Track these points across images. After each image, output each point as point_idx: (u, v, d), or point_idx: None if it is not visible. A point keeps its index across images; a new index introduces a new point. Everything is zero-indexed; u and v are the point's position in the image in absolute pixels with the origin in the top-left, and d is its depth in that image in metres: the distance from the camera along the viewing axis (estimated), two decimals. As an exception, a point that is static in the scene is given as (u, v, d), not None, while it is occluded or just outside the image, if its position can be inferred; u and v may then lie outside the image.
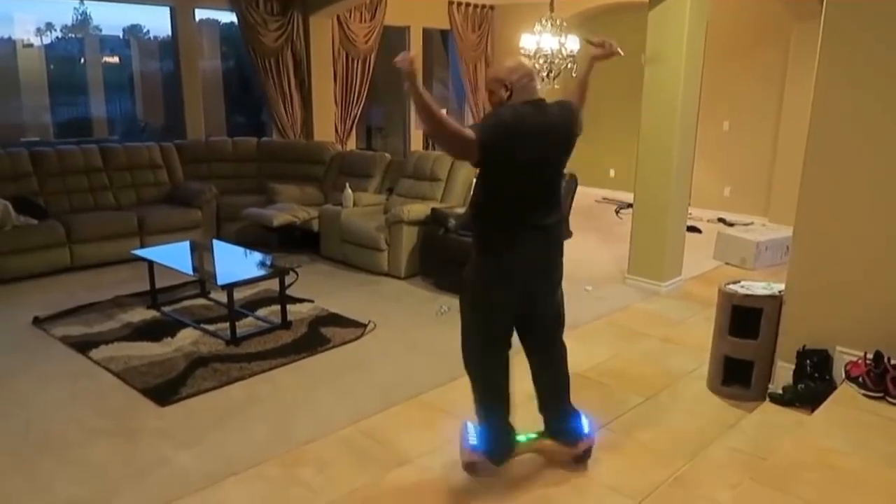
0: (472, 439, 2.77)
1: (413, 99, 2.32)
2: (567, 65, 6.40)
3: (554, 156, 2.66)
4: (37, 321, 4.44)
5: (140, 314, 4.59)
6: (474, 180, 2.82)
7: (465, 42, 9.27)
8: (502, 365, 2.79)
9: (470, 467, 2.80)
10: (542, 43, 6.34)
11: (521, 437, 2.86)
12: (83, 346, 4.05)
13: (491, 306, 2.68)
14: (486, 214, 2.63)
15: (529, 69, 2.62)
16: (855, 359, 3.01)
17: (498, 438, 2.78)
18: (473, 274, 2.68)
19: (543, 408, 2.91)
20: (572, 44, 6.34)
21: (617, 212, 8.40)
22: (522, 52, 6.45)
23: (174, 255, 4.81)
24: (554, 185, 2.70)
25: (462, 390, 3.09)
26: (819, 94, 3.16)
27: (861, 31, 3.01)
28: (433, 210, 5.41)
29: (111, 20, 8.01)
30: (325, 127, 7.92)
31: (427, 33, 9.25)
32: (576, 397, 3.51)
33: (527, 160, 2.51)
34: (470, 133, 2.38)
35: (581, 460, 2.87)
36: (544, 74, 6.44)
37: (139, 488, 2.71)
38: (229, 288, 4.13)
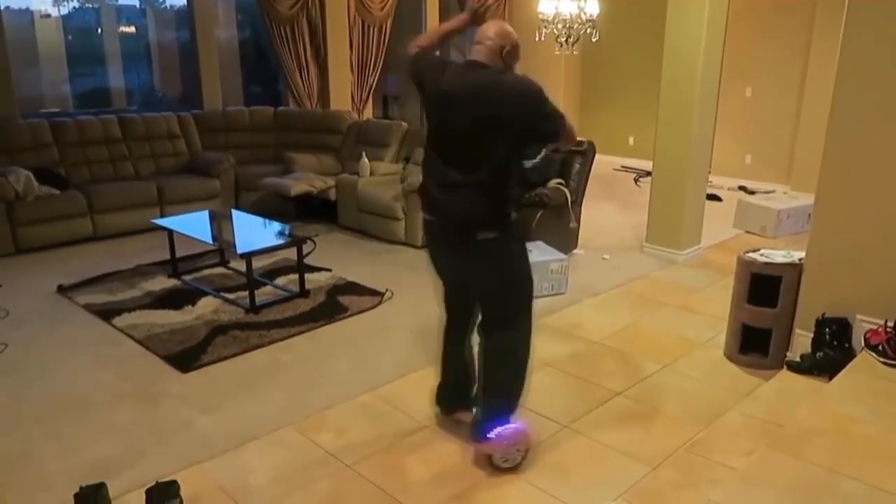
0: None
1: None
2: (586, 30, 6.29)
3: (458, 122, 2.42)
4: (61, 289, 4.53)
5: (161, 283, 4.65)
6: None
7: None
8: (448, 340, 2.87)
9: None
10: (561, 7, 6.22)
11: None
12: (106, 313, 4.12)
13: (432, 267, 2.77)
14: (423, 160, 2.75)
15: (482, 35, 2.48)
16: (875, 327, 2.99)
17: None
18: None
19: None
20: (591, 8, 6.22)
21: (636, 180, 8.32)
22: (541, 17, 6.34)
23: (194, 225, 4.86)
24: (464, 152, 2.46)
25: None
26: (844, 61, 3.10)
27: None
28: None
29: (127, -10, 8.00)
30: (342, 96, 7.88)
31: (444, -1, 9.12)
32: (592, 365, 3.54)
33: (431, 112, 2.58)
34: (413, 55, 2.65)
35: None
36: (563, 40, 6.34)
37: (163, 450, 2.78)
38: (248, 257, 4.17)
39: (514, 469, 2.63)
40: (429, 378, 3.24)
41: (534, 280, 2.70)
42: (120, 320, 4.02)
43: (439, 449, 2.80)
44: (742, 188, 7.74)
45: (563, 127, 2.42)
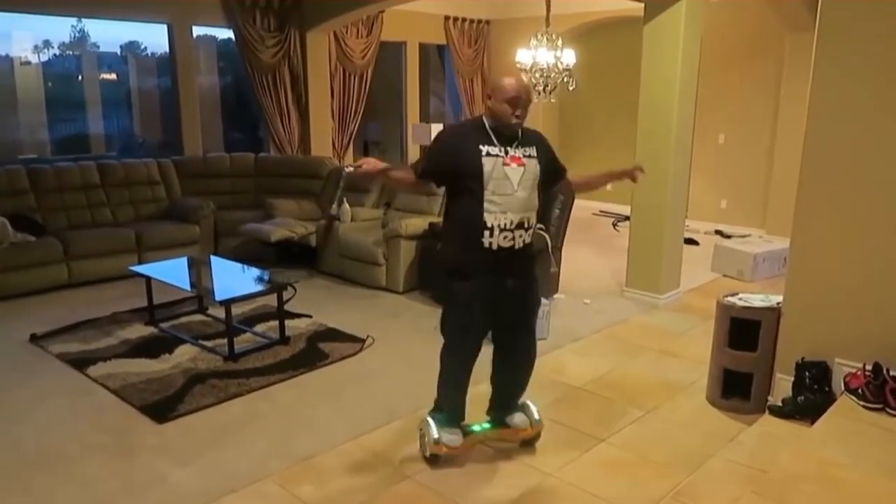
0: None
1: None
2: (563, 78, 6.44)
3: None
4: (34, 338, 4.43)
5: (138, 331, 4.57)
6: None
7: (461, 57, 9.33)
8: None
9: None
10: (538, 57, 6.38)
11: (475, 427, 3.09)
12: (80, 363, 4.03)
13: None
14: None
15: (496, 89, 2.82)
16: (854, 370, 3.01)
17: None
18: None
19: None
20: (568, 58, 6.38)
21: (614, 225, 8.42)
22: (518, 66, 6.49)
23: (172, 271, 4.81)
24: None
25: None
26: (814, 106, 3.18)
27: (855, 41, 3.03)
28: (431, 224, 5.41)
29: (108, 37, 8.05)
30: (323, 142, 7.94)
31: (423, 48, 9.31)
32: (575, 411, 3.52)
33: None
34: None
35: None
36: (541, 88, 6.47)
37: (137, 506, 2.70)
38: (227, 304, 4.13)
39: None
40: (411, 426, 3.20)
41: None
42: (94, 370, 3.94)
43: (422, 500, 2.75)
44: (718, 232, 7.85)
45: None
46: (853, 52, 3.05)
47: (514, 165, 2.69)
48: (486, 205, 2.67)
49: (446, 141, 2.85)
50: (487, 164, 2.66)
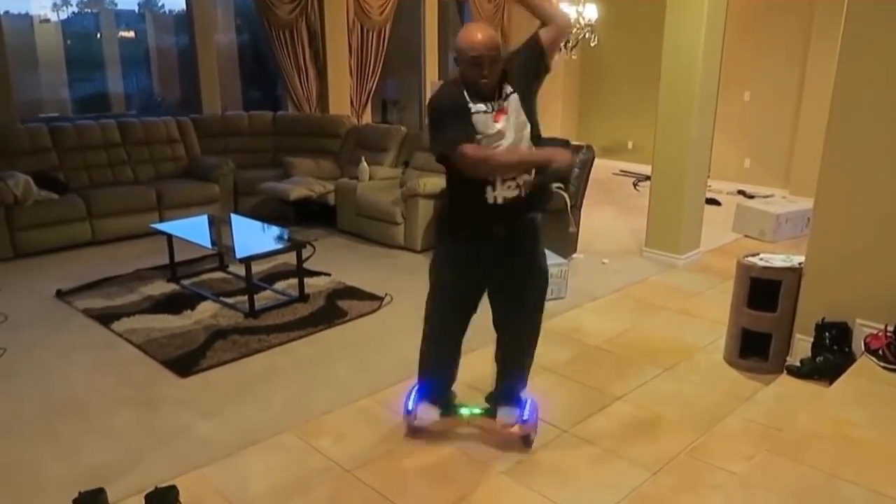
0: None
1: None
2: (585, 34, 6.31)
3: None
4: (59, 294, 4.52)
5: (160, 287, 4.64)
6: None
7: (480, 11, 9.14)
8: None
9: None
10: (560, 12, 6.24)
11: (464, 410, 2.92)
12: (105, 318, 4.12)
13: None
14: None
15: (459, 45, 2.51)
16: (875, 331, 2.99)
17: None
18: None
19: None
20: (591, 13, 6.23)
21: (635, 184, 8.33)
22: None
23: (193, 229, 4.85)
24: None
25: (475, 360, 3.12)
26: (842, 64, 3.10)
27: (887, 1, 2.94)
28: (449, 183, 5.39)
29: (126, -6, 8.01)
30: (341, 100, 7.89)
31: (442, 3, 9.13)
32: (592, 369, 3.54)
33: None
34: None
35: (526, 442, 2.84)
36: (561, 44, 6.35)
37: (162, 455, 2.77)
38: (247, 261, 4.17)
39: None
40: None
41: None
42: (119, 325, 4.02)
43: (438, 454, 2.80)
44: (741, 192, 7.75)
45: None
46: (885, 10, 2.94)
47: (501, 118, 2.50)
48: None
49: (444, 109, 2.54)
50: (478, 121, 2.48)
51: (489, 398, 2.96)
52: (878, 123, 3.03)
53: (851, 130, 3.12)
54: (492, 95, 2.50)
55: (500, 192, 2.52)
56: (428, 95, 8.81)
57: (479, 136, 2.46)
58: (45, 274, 4.94)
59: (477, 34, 2.42)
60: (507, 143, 2.49)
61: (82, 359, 3.64)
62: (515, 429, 2.79)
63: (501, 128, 2.50)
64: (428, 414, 2.84)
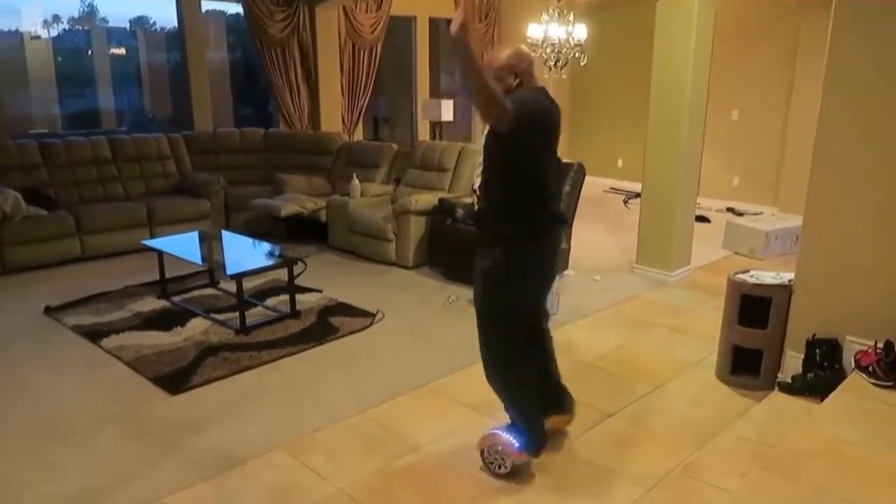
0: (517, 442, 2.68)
1: (463, 51, 2.16)
2: (574, 54, 6.37)
3: (557, 144, 2.65)
4: (48, 310, 4.48)
5: (150, 304, 4.61)
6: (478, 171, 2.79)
7: (472, 31, 9.23)
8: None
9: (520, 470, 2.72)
10: (550, 32, 6.31)
11: None
12: (94, 335, 4.08)
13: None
14: (516, 203, 2.54)
15: (531, 56, 2.60)
16: (865, 348, 3.00)
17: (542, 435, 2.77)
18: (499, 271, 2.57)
19: None
20: (580, 33, 6.30)
21: (625, 202, 8.38)
22: (529, 41, 6.42)
23: (183, 246, 4.83)
24: (558, 174, 2.69)
25: (469, 378, 3.11)
26: (829, 82, 3.14)
27: (871, 19, 2.98)
28: (441, 200, 5.41)
29: (118, 12, 8.04)
30: (332, 118, 7.92)
31: (433, 22, 9.21)
32: (584, 386, 3.53)
33: (546, 145, 2.55)
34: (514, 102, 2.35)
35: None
36: (552, 64, 6.41)
37: (151, 474, 2.74)
38: (238, 278, 4.15)
39: (499, 475, 2.69)
40: (420, 400, 3.23)
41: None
42: (108, 342, 3.98)
43: (430, 472, 2.78)
44: (730, 210, 7.80)
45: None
46: (870, 29, 2.99)
47: None
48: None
49: (535, 101, 2.52)
50: None
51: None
52: (864, 140, 3.07)
53: (838, 148, 3.16)
54: None
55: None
56: (420, 113, 8.86)
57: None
58: (33, 290, 4.90)
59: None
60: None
61: (71, 376, 3.60)
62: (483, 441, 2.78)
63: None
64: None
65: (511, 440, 2.67)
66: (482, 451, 2.76)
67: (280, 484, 2.69)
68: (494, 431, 2.73)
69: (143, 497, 2.50)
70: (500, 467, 2.70)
